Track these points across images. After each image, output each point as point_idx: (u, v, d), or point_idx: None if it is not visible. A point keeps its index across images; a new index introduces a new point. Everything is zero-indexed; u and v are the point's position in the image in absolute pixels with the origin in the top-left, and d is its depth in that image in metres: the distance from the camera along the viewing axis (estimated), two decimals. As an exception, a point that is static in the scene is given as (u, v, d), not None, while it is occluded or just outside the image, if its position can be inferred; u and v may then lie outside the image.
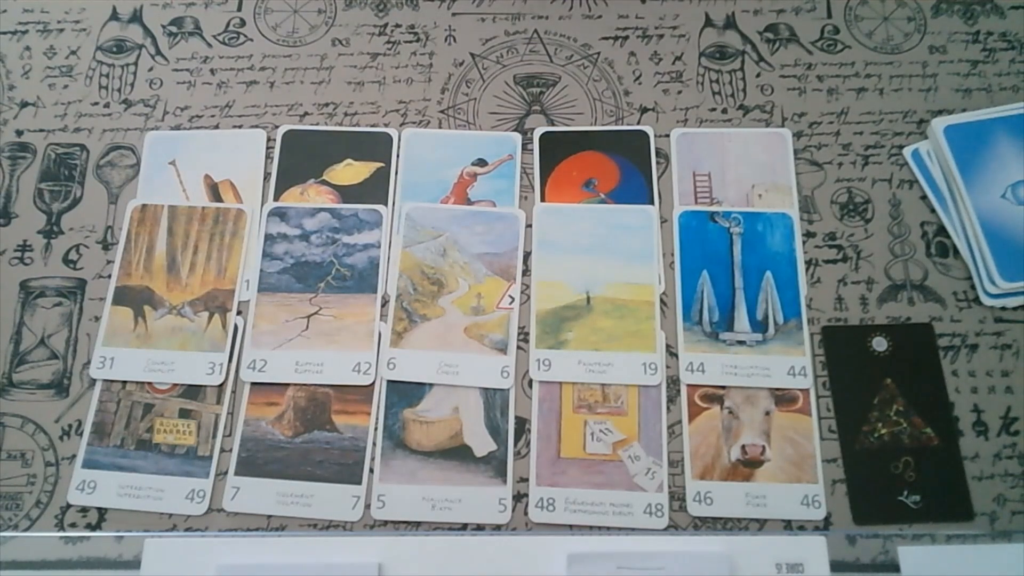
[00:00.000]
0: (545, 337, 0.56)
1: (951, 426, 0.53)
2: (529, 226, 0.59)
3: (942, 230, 0.58)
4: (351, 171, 0.61)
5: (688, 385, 0.54)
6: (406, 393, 0.55)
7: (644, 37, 0.66)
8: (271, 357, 0.56)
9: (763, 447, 0.53)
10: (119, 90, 0.65)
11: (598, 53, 0.65)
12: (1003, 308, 0.56)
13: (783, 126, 0.62)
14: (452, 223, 0.59)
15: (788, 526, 0.51)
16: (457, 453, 0.53)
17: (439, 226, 0.59)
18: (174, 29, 0.67)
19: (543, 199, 0.60)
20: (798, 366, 0.54)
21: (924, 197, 0.59)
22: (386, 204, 0.60)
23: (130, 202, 0.60)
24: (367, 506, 0.52)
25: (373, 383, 0.55)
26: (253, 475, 0.53)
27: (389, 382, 0.55)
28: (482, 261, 0.58)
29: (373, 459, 0.53)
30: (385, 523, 0.52)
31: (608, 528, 0.51)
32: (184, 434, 0.54)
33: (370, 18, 0.67)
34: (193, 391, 0.55)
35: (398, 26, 0.66)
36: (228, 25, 0.67)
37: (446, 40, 0.66)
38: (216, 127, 0.63)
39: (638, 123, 0.62)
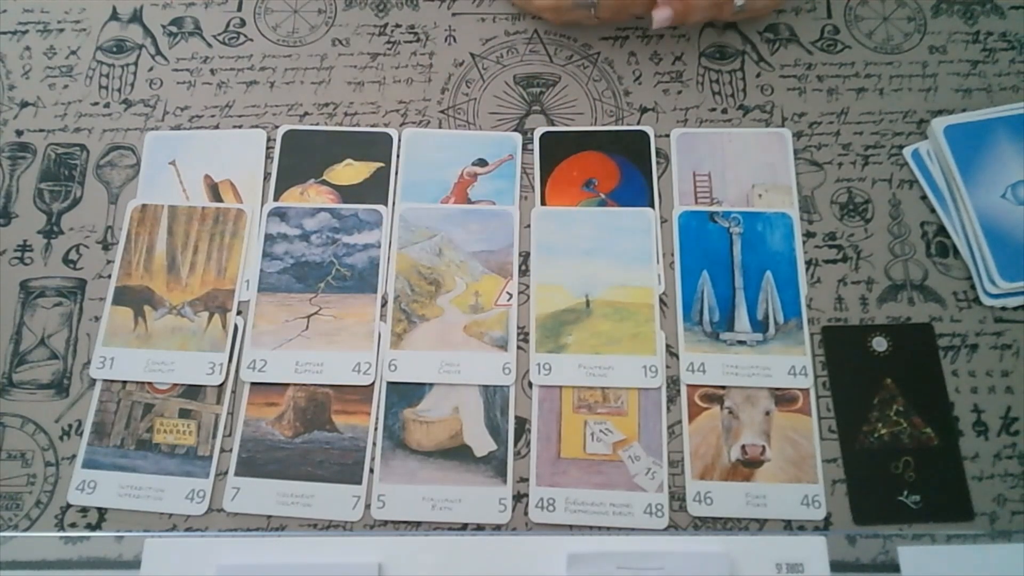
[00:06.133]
0: (545, 341, 0.55)
1: (951, 426, 0.53)
2: (527, 227, 0.59)
3: (942, 230, 0.58)
4: (351, 171, 0.61)
5: (688, 385, 0.54)
6: (406, 393, 0.55)
7: (644, 37, 0.66)
8: (271, 357, 0.56)
9: (763, 447, 0.53)
10: (119, 90, 0.65)
11: (598, 53, 0.65)
12: (1003, 308, 0.56)
13: (783, 126, 0.62)
14: (446, 222, 0.59)
15: (788, 526, 0.51)
16: (457, 453, 0.53)
17: (433, 226, 0.59)
18: (174, 29, 0.67)
19: (543, 199, 0.60)
20: (798, 366, 0.54)
21: (924, 197, 0.59)
22: (386, 204, 0.60)
23: (130, 202, 0.60)
24: (367, 506, 0.52)
25: (373, 383, 0.55)
26: (253, 475, 0.53)
27: (389, 382, 0.55)
28: (478, 259, 0.58)
29: (373, 459, 0.53)
30: (385, 523, 0.52)
31: (608, 528, 0.51)
32: (184, 434, 0.54)
33: (370, 18, 0.67)
34: (193, 391, 0.55)
35: (398, 26, 0.66)
36: (228, 25, 0.67)
37: (446, 40, 0.66)
38: (216, 127, 0.63)
39: (638, 123, 0.62)
